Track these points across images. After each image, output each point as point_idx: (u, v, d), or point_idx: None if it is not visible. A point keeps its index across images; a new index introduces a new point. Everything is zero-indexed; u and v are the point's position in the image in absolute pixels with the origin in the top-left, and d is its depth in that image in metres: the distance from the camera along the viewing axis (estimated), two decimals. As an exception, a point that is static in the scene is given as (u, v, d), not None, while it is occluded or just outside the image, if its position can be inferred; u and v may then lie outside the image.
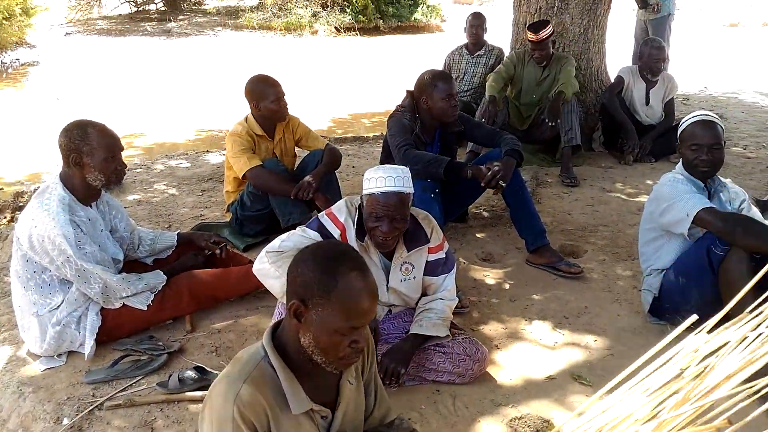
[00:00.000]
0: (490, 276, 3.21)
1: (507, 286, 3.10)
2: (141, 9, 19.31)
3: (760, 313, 1.22)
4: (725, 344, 1.24)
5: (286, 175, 3.37)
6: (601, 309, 2.84)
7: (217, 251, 2.86)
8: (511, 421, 2.12)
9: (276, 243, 2.22)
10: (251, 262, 2.37)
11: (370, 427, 1.56)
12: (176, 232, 2.98)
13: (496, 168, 2.96)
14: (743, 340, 1.22)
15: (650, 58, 4.82)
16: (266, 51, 13.74)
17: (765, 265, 2.20)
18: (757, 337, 1.21)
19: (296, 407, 1.31)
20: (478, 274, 3.23)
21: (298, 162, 3.66)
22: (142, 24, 17.18)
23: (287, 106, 3.41)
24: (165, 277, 2.67)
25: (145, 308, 2.57)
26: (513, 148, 3.14)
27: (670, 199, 2.43)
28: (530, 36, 4.56)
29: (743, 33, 17.87)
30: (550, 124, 4.47)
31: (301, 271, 1.30)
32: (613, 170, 4.77)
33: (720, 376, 1.26)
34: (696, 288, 2.38)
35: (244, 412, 1.23)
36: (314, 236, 2.25)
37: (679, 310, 2.51)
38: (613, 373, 2.34)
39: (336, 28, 17.27)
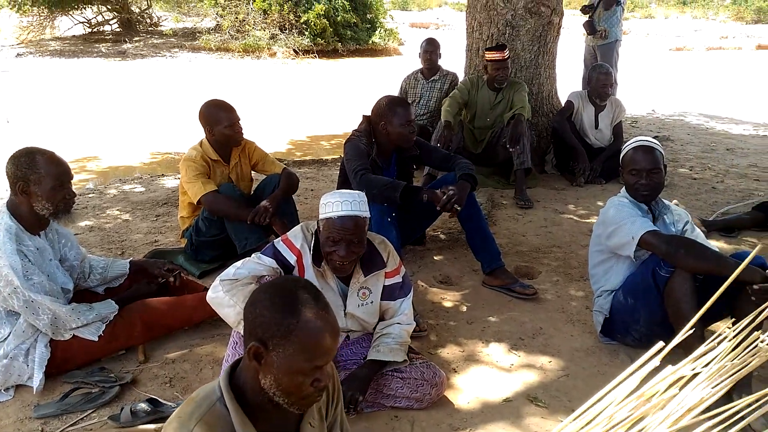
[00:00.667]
0: (447, 298, 3.24)
1: (464, 309, 3.13)
2: (95, 30, 19.00)
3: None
4: (680, 378, 1.28)
5: (242, 200, 3.35)
6: (556, 330, 2.89)
7: (171, 279, 2.82)
8: (468, 445, 2.13)
9: (230, 271, 2.21)
10: (206, 290, 2.34)
11: None
12: (128, 260, 2.92)
13: (451, 192, 3.01)
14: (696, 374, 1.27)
15: (598, 83, 5.00)
16: (224, 73, 13.68)
17: (708, 284, 2.30)
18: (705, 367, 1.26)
19: None
20: (435, 296, 3.26)
21: (254, 186, 3.65)
22: (97, 45, 16.88)
23: (242, 131, 3.40)
24: (117, 306, 2.61)
25: (96, 339, 2.51)
26: (467, 173, 3.20)
27: (616, 222, 2.52)
28: (494, 55, 4.67)
29: (689, 57, 18.65)
30: (510, 149, 4.56)
31: (259, 311, 1.27)
32: (565, 192, 4.89)
33: (682, 407, 1.30)
34: (644, 308, 2.46)
35: None
36: (270, 263, 2.24)
37: (629, 329, 2.59)
38: (567, 394, 2.42)
39: (294, 50, 17.31)
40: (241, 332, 2.04)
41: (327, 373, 1.29)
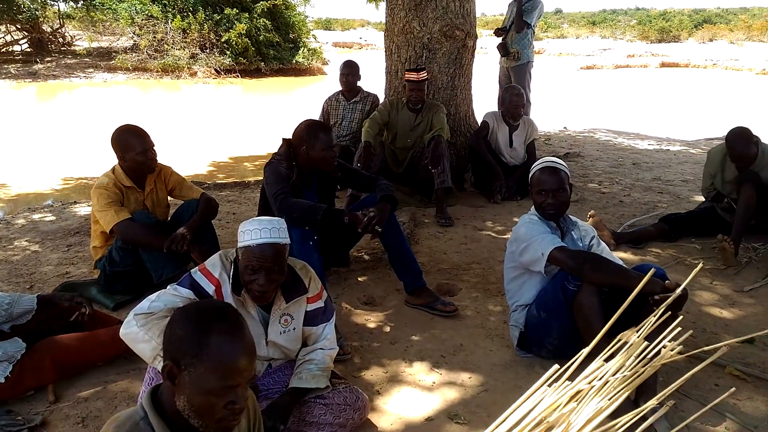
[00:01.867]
0: (371, 320, 3.26)
1: (387, 329, 3.16)
2: (4, 50, 18.07)
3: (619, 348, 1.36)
4: (580, 391, 1.36)
5: (158, 227, 3.27)
6: (475, 345, 2.97)
7: (83, 310, 2.70)
8: (391, 467, 2.15)
9: (145, 304, 2.15)
10: (121, 323, 2.26)
11: None
12: (36, 295, 2.78)
13: (372, 214, 3.05)
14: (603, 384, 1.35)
15: (511, 104, 5.22)
16: (141, 94, 13.30)
17: (614, 296, 2.43)
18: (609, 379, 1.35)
19: None
20: (359, 318, 3.28)
21: (171, 213, 3.56)
22: (6, 66, 16.05)
23: (156, 157, 3.33)
24: (24, 345, 2.48)
25: (3, 381, 2.38)
26: (388, 194, 3.25)
27: (527, 239, 2.63)
28: (411, 76, 4.82)
29: (599, 75, 19.70)
30: (432, 169, 4.67)
31: (174, 330, 1.28)
32: (483, 209, 5.05)
33: (585, 416, 1.38)
34: (555, 321, 2.57)
35: None
36: (187, 294, 2.20)
37: (543, 342, 2.69)
38: (486, 408, 2.48)
39: (216, 70, 17.07)
40: (158, 368, 1.99)
41: (241, 396, 1.28)
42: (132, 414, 1.27)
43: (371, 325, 3.20)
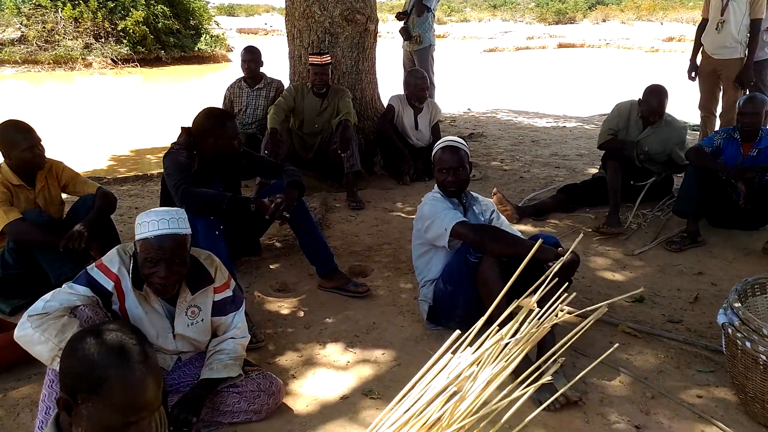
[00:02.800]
0: (285, 306, 3.26)
1: (301, 314, 3.17)
2: None
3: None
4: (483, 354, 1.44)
5: (52, 226, 3.10)
6: (388, 323, 3.04)
7: None
8: (307, 447, 2.17)
9: (39, 305, 2.04)
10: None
11: None
12: None
13: (279, 200, 3.03)
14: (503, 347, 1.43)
15: (415, 87, 5.31)
16: (32, 88, 12.47)
17: (514, 266, 2.55)
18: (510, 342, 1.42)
19: None
20: (272, 305, 3.26)
21: (66, 210, 3.39)
22: None
23: (44, 153, 3.14)
24: None
25: None
26: (294, 179, 3.24)
27: (431, 216, 2.72)
28: (314, 60, 4.81)
29: (500, 57, 20.31)
30: (341, 154, 4.69)
31: (69, 362, 1.18)
32: (393, 191, 5.13)
33: (488, 375, 1.46)
34: (461, 292, 2.67)
35: None
36: (84, 292, 2.11)
37: (451, 314, 2.79)
38: (400, 382, 2.55)
39: (113, 60, 16.25)
40: (56, 369, 1.91)
41: (146, 428, 1.19)
42: None
43: (285, 312, 3.20)
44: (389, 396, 2.46)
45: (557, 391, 2.31)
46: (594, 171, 5.15)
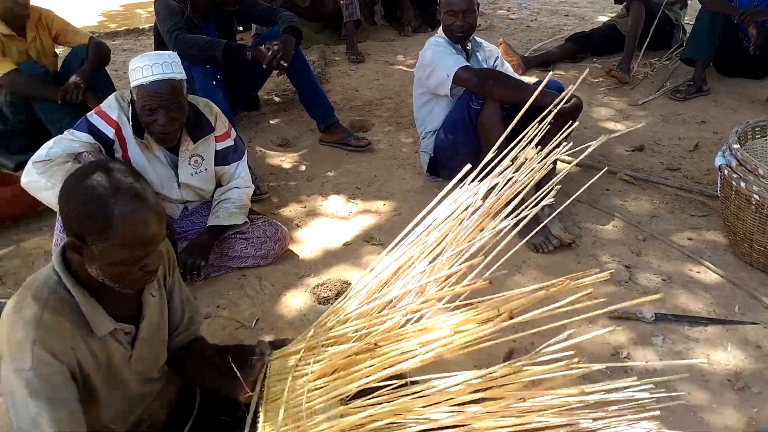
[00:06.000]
0: (286, 160, 3.28)
1: (303, 168, 3.20)
2: None
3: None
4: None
5: (48, 78, 3.03)
6: (389, 175, 3.07)
7: None
8: (314, 288, 2.29)
9: (43, 152, 2.05)
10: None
11: (179, 333, 1.53)
12: None
13: (276, 47, 2.92)
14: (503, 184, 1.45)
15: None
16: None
17: (515, 114, 2.52)
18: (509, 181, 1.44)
19: (99, 329, 1.24)
20: (274, 160, 3.28)
21: (60, 63, 3.30)
22: None
23: (26, 1, 3.00)
24: None
25: None
26: (291, 25, 3.10)
27: (433, 63, 2.64)
28: None
29: None
30: (340, 1, 4.47)
31: (72, 207, 1.17)
32: (395, 43, 4.95)
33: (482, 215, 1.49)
34: (462, 142, 2.66)
35: (47, 339, 1.15)
36: (86, 138, 2.11)
37: (451, 164, 2.80)
38: (400, 229, 2.60)
39: None
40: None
41: (155, 257, 1.23)
42: (46, 279, 1.22)
43: (287, 166, 3.22)
44: (390, 243, 2.54)
45: (552, 235, 2.41)
46: (604, 19, 4.92)
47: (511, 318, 1.12)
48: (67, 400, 1.17)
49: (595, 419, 1.27)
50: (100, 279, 1.21)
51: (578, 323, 1.38)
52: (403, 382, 1.23)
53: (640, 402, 1.31)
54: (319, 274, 2.38)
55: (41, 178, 1.99)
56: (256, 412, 1.32)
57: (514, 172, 1.54)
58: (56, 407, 1.15)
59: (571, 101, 2.40)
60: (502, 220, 1.43)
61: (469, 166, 1.41)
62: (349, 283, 2.30)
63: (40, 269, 1.28)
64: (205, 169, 2.35)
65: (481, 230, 1.44)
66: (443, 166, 2.83)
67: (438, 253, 1.45)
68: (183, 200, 2.40)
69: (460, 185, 1.46)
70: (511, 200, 1.47)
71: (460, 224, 1.44)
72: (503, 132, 2.48)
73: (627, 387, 1.28)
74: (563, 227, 2.46)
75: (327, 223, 2.72)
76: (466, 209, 1.36)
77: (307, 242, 2.59)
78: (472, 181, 1.49)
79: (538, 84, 2.57)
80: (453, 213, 1.46)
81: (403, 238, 1.58)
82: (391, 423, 1.19)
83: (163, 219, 1.23)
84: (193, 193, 2.39)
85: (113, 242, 1.15)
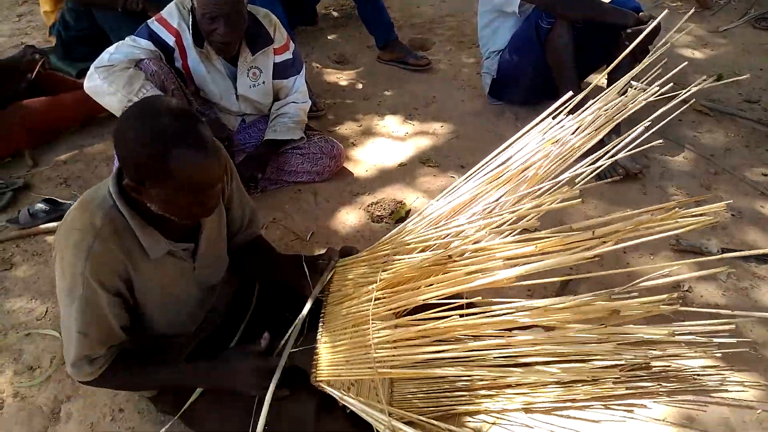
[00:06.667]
0: (343, 78, 3.22)
1: (360, 86, 3.14)
2: None
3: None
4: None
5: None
6: (448, 97, 2.98)
7: (40, 59, 2.61)
8: (368, 206, 2.29)
9: (104, 57, 2.06)
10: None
11: (240, 234, 1.55)
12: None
13: None
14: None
15: None
16: None
17: (586, 34, 2.37)
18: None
19: (154, 252, 1.25)
20: (331, 77, 3.23)
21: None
22: None
23: None
24: (-10, 111, 2.44)
25: (-24, 148, 2.38)
26: None
27: (502, -22, 2.49)
28: None
29: None
30: None
31: (129, 152, 1.13)
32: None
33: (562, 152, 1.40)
34: (528, 63, 2.54)
35: (97, 269, 1.17)
36: (146, 45, 2.10)
37: (515, 87, 2.70)
38: (457, 152, 2.57)
39: None
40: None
41: (215, 194, 1.22)
42: (102, 202, 1.21)
43: (343, 83, 3.17)
44: (446, 165, 2.51)
45: (618, 164, 2.30)
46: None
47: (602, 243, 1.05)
48: (107, 319, 1.22)
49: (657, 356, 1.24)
50: (159, 212, 1.20)
51: (639, 254, 1.36)
52: (462, 302, 1.21)
53: (701, 336, 1.27)
54: (373, 193, 2.37)
55: (104, 83, 2.01)
56: (317, 312, 1.34)
57: (605, 105, 1.43)
58: (95, 324, 1.21)
59: (649, 23, 2.23)
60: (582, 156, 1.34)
61: (570, 93, 1.30)
62: (404, 203, 2.28)
63: (98, 185, 1.27)
64: (263, 82, 2.32)
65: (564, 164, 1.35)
66: (507, 89, 2.72)
67: (516, 183, 1.38)
68: (241, 113, 2.40)
69: (551, 114, 1.35)
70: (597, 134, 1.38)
71: (543, 158, 1.35)
72: (573, 53, 2.39)
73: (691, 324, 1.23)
74: (630, 156, 2.35)
75: (382, 143, 2.69)
76: (556, 141, 1.28)
77: (362, 161, 2.57)
78: (558, 111, 1.39)
79: (614, 3, 2.41)
80: (540, 142, 1.35)
81: (484, 164, 1.45)
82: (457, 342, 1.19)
83: (222, 161, 1.19)
84: (251, 106, 2.39)
85: (173, 188, 1.13)
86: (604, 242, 1.04)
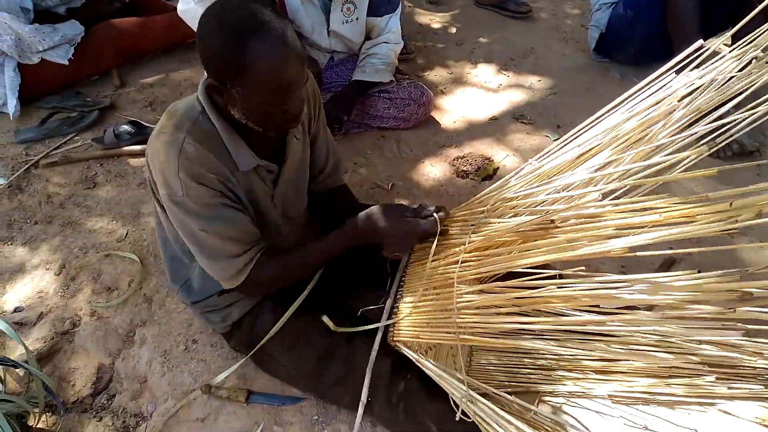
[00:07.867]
0: (436, 20, 3.06)
1: (453, 30, 2.97)
2: None
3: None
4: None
5: None
6: (548, 49, 2.79)
7: None
8: (453, 160, 2.17)
9: (197, -20, 1.99)
10: (176, 10, 2.15)
11: (323, 178, 1.51)
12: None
13: None
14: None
15: None
16: None
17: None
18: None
19: (243, 164, 1.22)
20: (424, 18, 3.07)
21: None
22: None
23: None
24: (82, 28, 2.43)
25: (67, 63, 2.38)
26: None
27: None
28: None
29: None
30: None
31: (209, 44, 1.09)
32: None
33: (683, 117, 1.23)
34: (644, 22, 2.32)
35: (191, 166, 1.15)
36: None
37: (625, 45, 2.48)
38: (554, 110, 2.40)
39: None
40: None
41: (297, 102, 1.17)
42: (191, 108, 1.19)
43: (436, 26, 3.01)
44: (541, 123, 2.35)
45: (733, 140, 2.10)
46: None
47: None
48: (220, 211, 1.19)
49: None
50: (243, 121, 1.17)
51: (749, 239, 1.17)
52: (554, 272, 1.11)
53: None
54: (460, 146, 2.25)
55: (197, 6, 1.95)
56: (403, 268, 1.28)
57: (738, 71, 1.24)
58: (212, 221, 1.18)
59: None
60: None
61: (699, 42, 1.12)
62: (492, 160, 2.15)
63: (184, 98, 1.25)
64: (356, 18, 2.21)
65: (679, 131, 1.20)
66: (615, 46, 2.50)
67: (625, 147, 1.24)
68: (331, 49, 2.30)
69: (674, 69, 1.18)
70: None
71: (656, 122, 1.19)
72: (697, 16, 2.14)
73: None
74: (747, 133, 2.13)
75: (474, 93, 2.54)
76: (681, 99, 1.11)
77: (451, 111, 2.44)
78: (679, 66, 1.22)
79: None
80: (658, 103, 1.18)
81: (592, 122, 1.31)
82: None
83: (304, 63, 1.13)
84: (341, 44, 2.28)
85: (251, 85, 1.09)
86: (737, 217, 0.91)
